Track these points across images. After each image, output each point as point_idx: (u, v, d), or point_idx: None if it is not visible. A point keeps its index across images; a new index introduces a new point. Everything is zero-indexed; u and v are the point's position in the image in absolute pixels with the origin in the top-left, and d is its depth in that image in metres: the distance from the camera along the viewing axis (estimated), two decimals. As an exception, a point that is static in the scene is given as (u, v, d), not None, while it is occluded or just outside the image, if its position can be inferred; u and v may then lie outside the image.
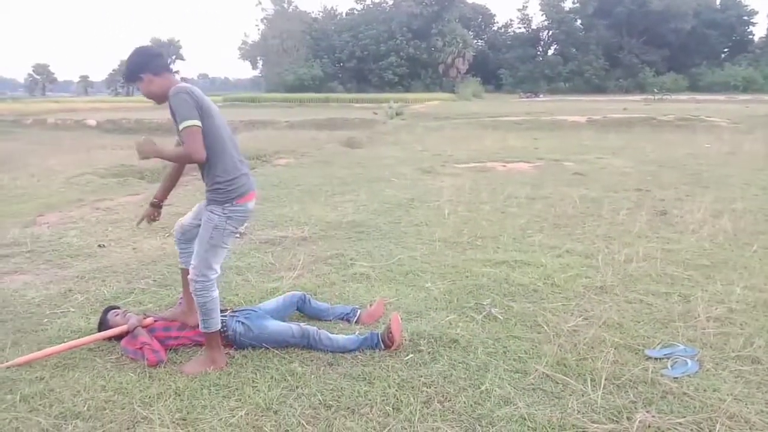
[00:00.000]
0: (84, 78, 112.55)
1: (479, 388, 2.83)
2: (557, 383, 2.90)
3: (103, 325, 3.36)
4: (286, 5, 76.43)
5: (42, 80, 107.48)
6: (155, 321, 3.32)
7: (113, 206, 7.33)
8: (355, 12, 77.98)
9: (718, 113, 22.43)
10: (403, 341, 3.26)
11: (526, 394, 2.79)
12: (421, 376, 2.93)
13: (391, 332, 3.17)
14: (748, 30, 71.09)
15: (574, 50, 70.35)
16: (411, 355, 3.15)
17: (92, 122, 27.08)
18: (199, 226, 3.21)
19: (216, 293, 3.04)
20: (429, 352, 3.19)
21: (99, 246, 5.45)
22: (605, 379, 2.87)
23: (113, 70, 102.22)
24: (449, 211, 6.72)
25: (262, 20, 78.21)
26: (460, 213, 6.70)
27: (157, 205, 3.38)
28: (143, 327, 3.22)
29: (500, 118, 22.82)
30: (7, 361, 3.08)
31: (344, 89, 66.50)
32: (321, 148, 14.86)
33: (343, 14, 79.42)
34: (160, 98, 2.96)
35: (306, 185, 8.92)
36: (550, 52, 75.72)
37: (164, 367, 3.04)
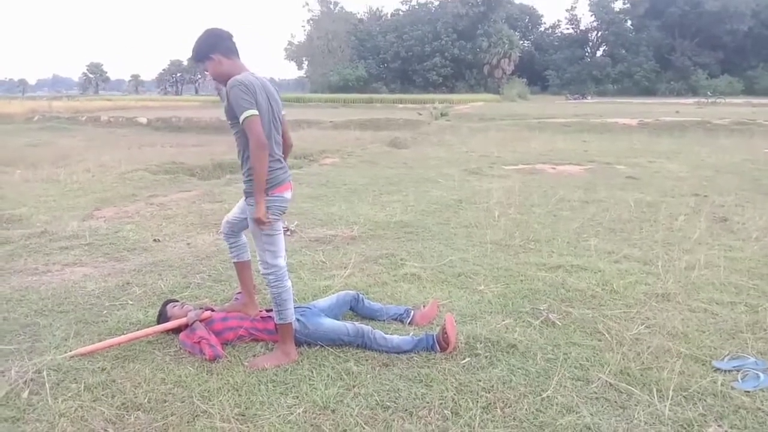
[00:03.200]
0: (135, 77, 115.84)
1: (540, 395, 2.75)
2: (621, 393, 2.80)
3: (162, 317, 3.41)
4: (332, 6, 77.08)
5: (95, 79, 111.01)
6: (213, 314, 3.34)
7: (166, 202, 7.47)
8: (400, 13, 78.17)
9: (778, 117, 21.55)
10: (459, 344, 3.20)
11: (590, 403, 2.70)
12: (480, 381, 2.87)
13: (446, 334, 3.12)
14: (810, 31, 68.19)
15: (623, 51, 68.89)
16: (468, 359, 3.09)
17: (143, 120, 27.80)
18: (245, 219, 3.25)
19: (289, 283, 3.08)
20: (486, 357, 3.12)
21: (154, 240, 5.55)
22: (672, 390, 2.76)
23: (163, 70, 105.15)
24: (499, 213, 6.61)
25: (308, 21, 79.07)
26: (511, 215, 6.58)
27: None
28: (201, 321, 3.24)
29: (547, 120, 22.46)
30: (70, 351, 3.14)
31: (388, 90, 66.72)
32: (366, 148, 14.86)
33: (389, 15, 79.78)
34: (226, 80, 2.98)
35: (353, 185, 8.93)
36: (599, 53, 74.34)
37: (222, 362, 3.06)
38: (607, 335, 3.43)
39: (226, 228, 3.33)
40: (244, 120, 2.82)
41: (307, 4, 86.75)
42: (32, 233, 5.76)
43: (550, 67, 72.22)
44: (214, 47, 2.97)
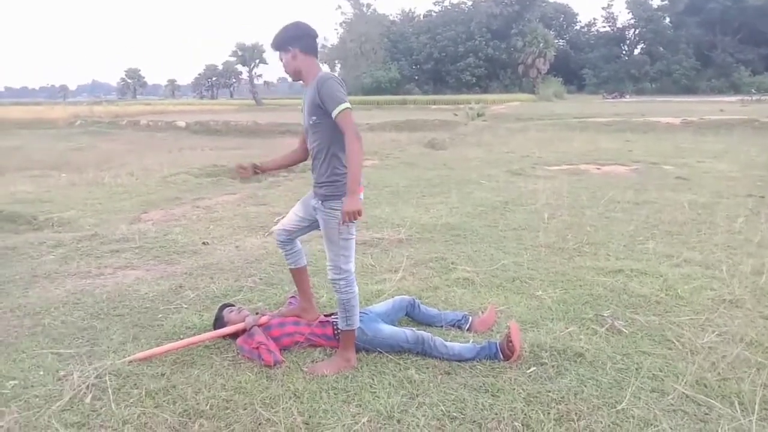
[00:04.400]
0: (171, 81, 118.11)
1: (615, 407, 2.61)
2: (700, 405, 2.66)
3: (218, 321, 3.38)
4: (365, 9, 77.24)
5: (133, 84, 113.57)
6: (270, 319, 3.29)
7: (212, 205, 7.51)
8: (433, 14, 77.92)
9: (830, 114, 20.73)
10: (523, 352, 3.08)
11: (668, 416, 2.56)
12: (549, 392, 2.75)
13: (511, 342, 3.00)
14: None
15: (662, 49, 67.36)
16: (534, 368, 2.97)
17: (182, 124, 28.23)
18: (307, 226, 3.18)
19: (357, 288, 3.02)
20: (553, 366, 2.99)
21: (203, 243, 5.56)
22: (758, 404, 2.60)
23: (199, 74, 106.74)
24: (549, 215, 6.45)
25: (341, 24, 79.52)
26: (561, 217, 6.41)
27: (255, 170, 3.28)
28: (259, 326, 3.20)
29: (587, 119, 22.05)
30: (129, 355, 3.13)
31: (421, 91, 66.57)
32: (403, 149, 14.79)
33: (421, 16, 79.57)
34: (297, 75, 2.95)
35: (394, 187, 8.86)
36: (636, 51, 72.77)
37: (281, 368, 3.01)
38: (677, 343, 3.27)
39: (282, 236, 3.25)
40: (339, 112, 2.74)
41: (340, 7, 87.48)
42: (83, 236, 5.84)
43: (587, 65, 71.04)
44: (296, 40, 2.92)
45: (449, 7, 77.09)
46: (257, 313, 3.38)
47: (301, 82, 3.02)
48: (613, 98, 51.26)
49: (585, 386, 2.80)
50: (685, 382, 2.82)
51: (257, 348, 3.07)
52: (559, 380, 2.86)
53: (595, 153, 12.94)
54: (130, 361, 3.06)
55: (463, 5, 76.10)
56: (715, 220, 6.23)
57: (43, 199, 8.32)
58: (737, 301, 3.93)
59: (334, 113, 2.75)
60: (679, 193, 7.88)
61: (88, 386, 2.79)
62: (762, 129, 18.26)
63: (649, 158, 11.93)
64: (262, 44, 67.83)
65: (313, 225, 3.15)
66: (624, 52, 73.97)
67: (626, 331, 3.43)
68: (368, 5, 77.81)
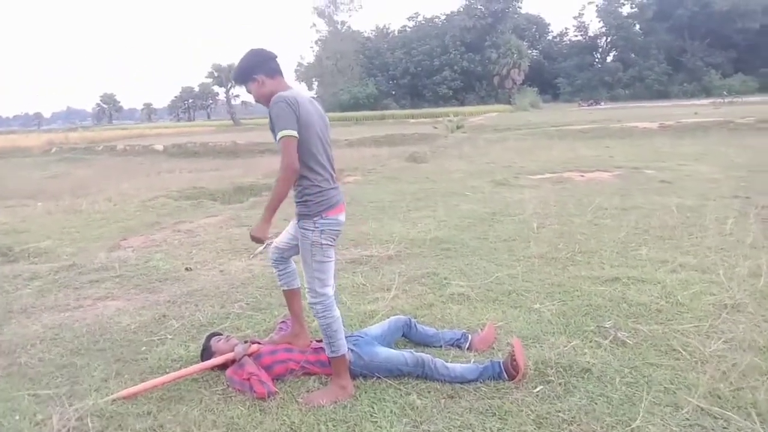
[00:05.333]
0: (147, 105, 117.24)
1: (630, 425, 2.49)
2: (717, 418, 2.55)
3: (206, 352, 3.20)
4: (339, 26, 77.52)
5: (109, 109, 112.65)
6: (261, 347, 3.13)
7: (193, 228, 7.31)
8: (407, 29, 78.42)
9: (801, 114, 21.10)
10: (528, 370, 2.95)
11: (686, 433, 2.44)
12: (559, 412, 2.62)
13: (515, 360, 2.87)
14: (822, 25, 67.23)
15: (633, 56, 68.37)
16: (540, 387, 2.84)
17: (159, 147, 27.94)
18: (296, 245, 3.05)
19: (338, 312, 2.88)
20: (560, 384, 2.87)
21: (186, 269, 5.37)
22: (776, 415, 2.49)
23: (175, 97, 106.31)
24: (538, 225, 6.36)
25: (316, 42, 79.53)
26: (551, 227, 6.33)
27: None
28: (249, 355, 3.03)
29: (565, 127, 22.18)
30: (112, 393, 2.94)
31: (398, 106, 66.84)
32: (385, 164, 14.69)
33: (396, 32, 79.94)
34: (269, 101, 2.82)
35: (379, 202, 8.73)
36: (609, 58, 73.76)
37: (274, 399, 2.84)
38: (684, 353, 3.17)
39: (275, 254, 3.12)
40: (279, 139, 2.67)
41: (315, 25, 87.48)
42: (60, 267, 5.61)
43: (561, 74, 71.82)
44: (258, 68, 2.83)
45: (423, 22, 77.68)
46: (246, 342, 3.21)
47: None
48: (588, 106, 51.80)
49: (596, 404, 2.68)
50: (699, 394, 2.71)
51: (248, 379, 2.90)
52: (568, 399, 2.74)
53: (577, 160, 12.95)
54: (114, 400, 2.88)
55: (436, 20, 76.76)
56: (705, 223, 6.19)
57: (18, 230, 8.06)
58: (738, 305, 3.84)
59: (276, 138, 2.70)
60: (664, 197, 7.86)
61: (68, 430, 2.61)
62: (737, 130, 18.53)
63: (630, 163, 11.97)
64: (238, 64, 67.62)
65: None
66: (597, 60, 74.99)
67: (630, 342, 3.32)
68: (342, 23, 78.13)
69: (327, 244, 2.81)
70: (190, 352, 3.43)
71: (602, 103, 54.88)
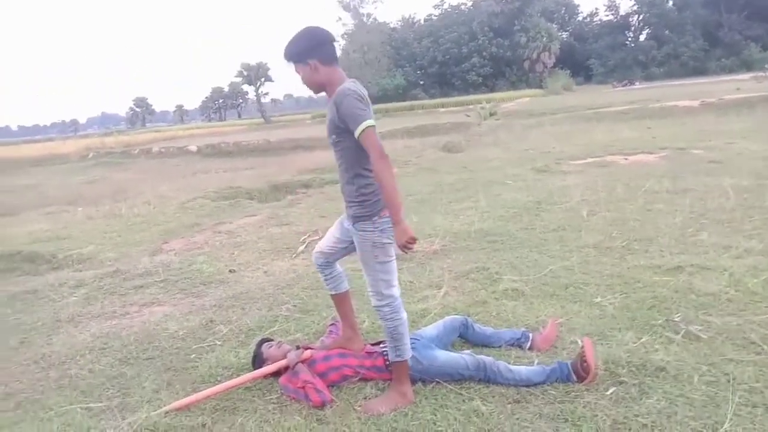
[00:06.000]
0: (179, 107, 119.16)
1: (717, 429, 2.30)
2: (813, 421, 2.32)
3: (257, 359, 3.10)
4: (365, 18, 77.19)
5: (142, 113, 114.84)
6: (314, 353, 3.01)
7: (234, 229, 7.26)
8: (433, 17, 77.76)
9: None
10: (598, 371, 2.76)
11: (782, 438, 2.23)
12: (637, 416, 2.43)
13: (585, 361, 2.69)
14: None
15: (668, 32, 66.53)
16: (613, 389, 2.66)
17: (193, 148, 28.17)
18: (344, 247, 2.92)
19: (405, 314, 2.73)
20: (635, 384, 2.68)
21: (230, 271, 5.31)
22: None
23: (206, 98, 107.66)
24: (588, 212, 6.12)
25: (342, 36, 79.30)
26: (601, 214, 6.07)
27: None
28: (303, 362, 2.92)
29: (602, 110, 21.64)
30: (164, 405, 2.86)
31: (428, 95, 66.33)
32: (420, 155, 14.49)
33: (422, 21, 79.38)
34: (320, 88, 2.68)
35: (418, 194, 8.57)
36: (642, 37, 72.00)
37: (331, 408, 2.72)
38: (766, 347, 2.94)
39: (320, 259, 2.98)
40: (362, 131, 2.47)
41: (341, 18, 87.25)
42: (105, 273, 5.61)
43: (593, 56, 70.37)
44: (313, 50, 2.61)
45: (449, 10, 76.92)
46: (298, 347, 3.09)
47: (323, 93, 2.75)
48: (623, 86, 50.60)
49: (676, 406, 2.49)
50: (790, 394, 2.49)
51: (303, 387, 2.79)
52: (645, 401, 2.55)
53: (618, 143, 12.54)
54: (167, 412, 2.79)
55: (462, 6, 75.98)
56: (765, 204, 5.86)
57: (61, 236, 8.14)
58: (817, 292, 3.58)
59: (356, 133, 2.49)
60: (717, 178, 7.50)
61: (123, 446, 2.53)
62: (786, 104, 17.75)
63: (675, 144, 11.52)
64: (266, 62, 68.23)
65: (351, 247, 2.86)
66: (629, 39, 73.22)
67: (705, 337, 3.10)
68: (368, 15, 77.75)
69: (388, 243, 2.66)
70: (241, 359, 3.33)
71: (637, 83, 53.57)
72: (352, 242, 2.82)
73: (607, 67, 67.84)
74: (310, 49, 2.61)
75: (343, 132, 2.57)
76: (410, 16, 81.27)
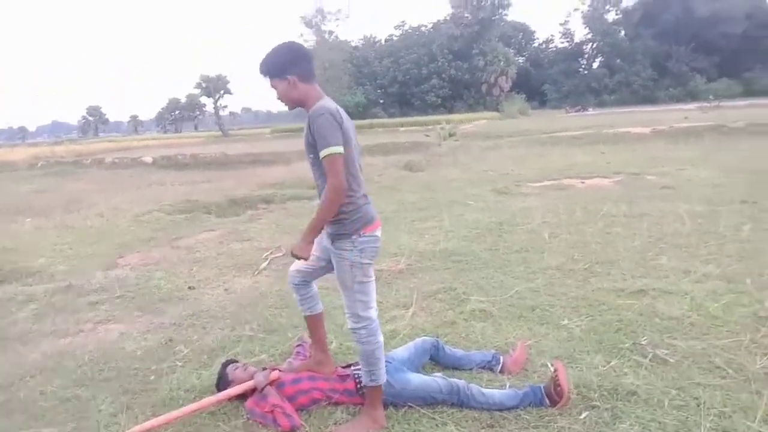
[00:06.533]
0: (134, 117, 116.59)
1: (691, 455, 2.31)
2: (780, 446, 2.37)
3: (222, 380, 2.99)
4: (327, 36, 77.42)
5: (95, 122, 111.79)
6: (282, 374, 2.91)
7: (192, 244, 7.07)
8: (394, 38, 78.63)
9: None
10: (571, 395, 2.76)
11: (752, 463, 2.26)
12: (612, 441, 2.43)
13: (559, 385, 2.69)
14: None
15: (619, 61, 68.94)
16: (586, 413, 2.66)
17: (148, 159, 27.50)
18: (323, 266, 2.85)
19: (381, 338, 2.68)
20: (607, 409, 2.68)
21: (189, 288, 5.14)
22: None
23: (161, 108, 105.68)
24: (549, 234, 6.20)
25: (303, 52, 79.28)
26: (563, 236, 6.16)
27: None
28: (271, 383, 2.82)
29: (557, 134, 22.12)
30: (122, 430, 2.72)
31: (387, 114, 66.85)
32: (381, 173, 14.49)
33: (383, 41, 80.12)
34: (295, 104, 2.63)
35: (382, 213, 8.34)
36: (595, 65, 74.42)
37: (301, 434, 2.64)
38: (730, 371, 3.00)
39: (296, 278, 2.90)
40: (326, 155, 2.43)
41: (302, 35, 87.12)
42: (56, 288, 5.36)
43: (548, 81, 72.33)
44: (292, 66, 2.56)
45: (410, 31, 77.92)
46: (265, 369, 2.99)
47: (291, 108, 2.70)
48: (576, 112, 52.08)
49: (649, 431, 2.50)
50: (757, 419, 2.53)
51: (272, 412, 2.70)
52: (618, 425, 2.55)
53: (574, 167, 12.84)
54: (125, 438, 2.65)
55: (423, 28, 77.06)
56: (719, 230, 6.05)
57: (7, 248, 7.75)
58: (773, 317, 3.69)
59: (321, 155, 2.45)
60: (671, 203, 7.73)
61: (78, 475, 2.38)
62: (731, 134, 18.52)
63: (629, 169, 11.86)
64: (226, 75, 67.48)
65: (330, 266, 2.79)
66: (583, 66, 75.56)
67: (672, 361, 3.15)
68: (330, 32, 78.03)
69: (367, 263, 2.61)
70: (203, 381, 3.21)
71: (590, 109, 55.22)
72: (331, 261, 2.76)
73: (561, 93, 69.75)
74: (289, 64, 2.56)
75: (317, 152, 2.51)
76: (371, 35, 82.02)
